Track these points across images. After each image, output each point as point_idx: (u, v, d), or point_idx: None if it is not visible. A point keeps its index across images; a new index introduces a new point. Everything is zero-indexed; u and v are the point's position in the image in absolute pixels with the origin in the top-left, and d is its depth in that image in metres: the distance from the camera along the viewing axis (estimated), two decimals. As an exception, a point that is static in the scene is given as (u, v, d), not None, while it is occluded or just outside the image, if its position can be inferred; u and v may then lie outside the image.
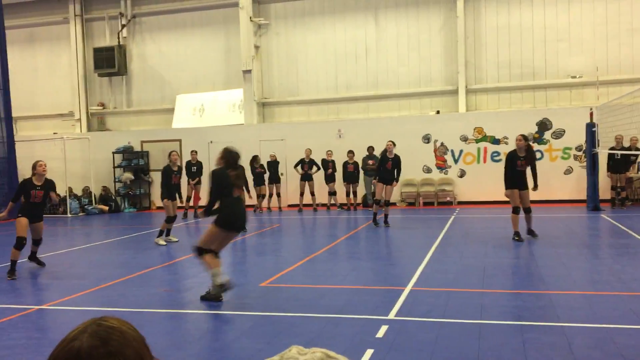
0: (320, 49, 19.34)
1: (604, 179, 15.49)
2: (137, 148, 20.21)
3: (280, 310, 6.21)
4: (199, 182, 16.49)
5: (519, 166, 10.17)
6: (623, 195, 15.32)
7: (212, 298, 6.57)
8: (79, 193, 19.55)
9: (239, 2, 19.08)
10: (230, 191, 6.81)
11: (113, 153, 20.18)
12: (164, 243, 11.27)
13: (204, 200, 10.60)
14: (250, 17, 19.12)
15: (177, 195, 11.60)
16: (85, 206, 19.02)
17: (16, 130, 20.34)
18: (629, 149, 14.70)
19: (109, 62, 20.45)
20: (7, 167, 18.02)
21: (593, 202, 14.61)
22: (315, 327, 5.57)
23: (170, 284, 7.86)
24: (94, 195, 19.50)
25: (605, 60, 16.92)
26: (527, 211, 10.29)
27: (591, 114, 14.89)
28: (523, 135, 10.50)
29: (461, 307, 6.07)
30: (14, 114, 19.09)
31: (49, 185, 8.74)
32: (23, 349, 5.31)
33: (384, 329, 5.37)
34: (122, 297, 7.08)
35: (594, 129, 14.53)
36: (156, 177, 19.96)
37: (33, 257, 9.06)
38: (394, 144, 12.91)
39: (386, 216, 12.88)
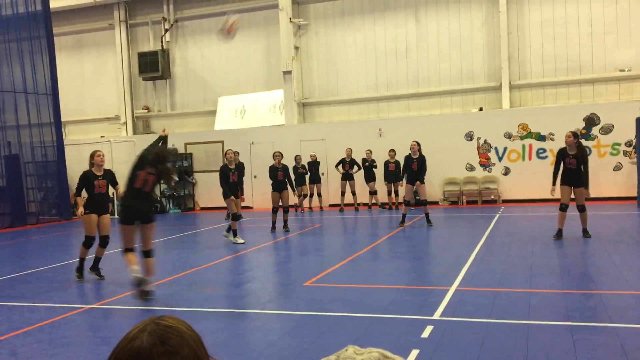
0: (359, 48, 19.29)
1: (656, 175, 14.95)
2: (181, 150, 20.58)
3: (324, 310, 6.23)
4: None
5: (567, 164, 9.88)
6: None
7: (141, 296, 6.68)
8: (126, 195, 20.03)
9: (278, 4, 19.23)
10: (131, 184, 7.00)
11: (158, 155, 20.56)
12: (242, 241, 11.29)
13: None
14: (290, 18, 19.23)
15: (238, 193, 11.73)
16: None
17: (65, 135, 21.00)
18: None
19: (152, 66, 20.90)
20: (57, 170, 18.62)
21: (644, 199, 14.12)
22: (360, 327, 5.56)
23: (215, 284, 7.97)
24: (140, 197, 19.92)
25: (656, 52, 16.32)
26: (581, 209, 9.93)
27: (641, 108, 14.39)
28: (573, 132, 10.19)
29: (508, 307, 5.96)
30: (63, 118, 19.71)
31: (110, 175, 8.56)
32: (76, 347, 5.48)
33: (429, 329, 5.32)
34: (171, 297, 7.21)
35: (644, 124, 14.03)
36: (199, 178, 20.32)
37: (95, 267, 8.50)
38: (419, 144, 12.85)
39: (427, 215, 12.77)
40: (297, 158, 17.15)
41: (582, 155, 9.92)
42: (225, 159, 11.92)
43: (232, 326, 5.94)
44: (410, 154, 12.77)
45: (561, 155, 10.06)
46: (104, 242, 8.51)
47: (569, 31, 17.08)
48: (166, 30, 21.34)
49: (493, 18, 17.71)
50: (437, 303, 6.20)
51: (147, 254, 7.05)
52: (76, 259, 8.69)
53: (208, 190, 20.00)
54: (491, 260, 8.52)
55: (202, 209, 20.22)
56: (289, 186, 12.88)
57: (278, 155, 12.88)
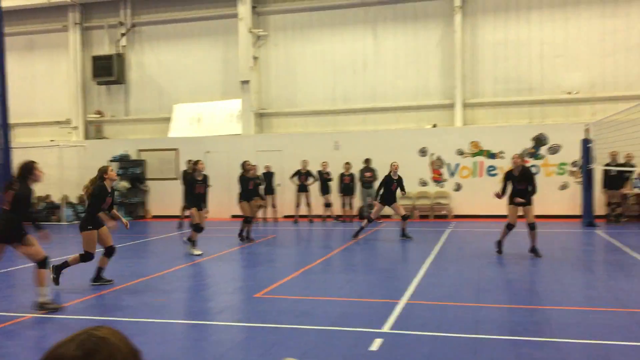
0: (318, 61, 19.43)
1: (599, 195, 15.56)
2: (134, 157, 20.21)
3: (274, 322, 6.19)
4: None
5: (516, 185, 10.08)
6: (618, 211, 15.38)
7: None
8: (75, 201, 19.50)
9: (238, 14, 19.21)
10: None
11: (109, 161, 20.15)
12: (199, 252, 11.05)
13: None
14: (249, 29, 19.23)
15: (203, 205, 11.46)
16: (80, 214, 18.96)
17: (13, 137, 20.30)
18: (623, 165, 14.76)
19: (107, 71, 20.51)
20: (2, 174, 17.95)
21: (588, 218, 14.66)
22: (310, 339, 5.55)
23: (165, 294, 7.83)
24: (90, 203, 19.46)
25: (602, 77, 17.05)
26: (531, 227, 10.08)
27: (587, 130, 14.98)
28: (519, 155, 10.51)
29: (456, 321, 6.07)
30: (11, 120, 19.02)
31: (113, 191, 8.43)
32: (15, 358, 5.27)
33: (378, 342, 5.35)
34: (116, 307, 7.04)
35: (589, 145, 14.61)
36: (151, 186, 19.97)
37: (99, 277, 8.36)
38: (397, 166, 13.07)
39: (403, 230, 12.88)
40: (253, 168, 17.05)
41: (527, 177, 10.11)
42: (193, 168, 11.66)
43: (180, 338, 5.84)
44: (390, 174, 12.77)
45: (507, 177, 10.25)
46: (113, 251, 8.34)
47: (520, 53, 17.66)
48: (122, 35, 20.99)
49: (448, 38, 18.14)
50: (387, 316, 6.26)
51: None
52: (18, 266, 8.40)
53: (161, 198, 19.68)
54: (441, 275, 8.66)
55: (154, 217, 19.86)
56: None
57: (250, 164, 13.17)
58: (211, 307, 6.96)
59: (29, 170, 6.91)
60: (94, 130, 21.49)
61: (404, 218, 12.84)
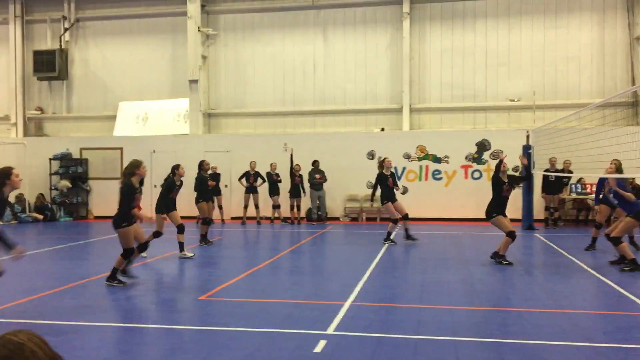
0: (268, 62, 19.38)
1: (538, 200, 16.12)
2: (76, 155, 19.62)
3: (218, 325, 6.13)
4: (140, 192, 16.07)
5: (504, 192, 10.03)
6: (556, 215, 15.98)
7: None
8: (12, 200, 18.74)
9: (187, 12, 18.95)
10: None
11: (50, 160, 19.52)
12: (192, 255, 10.80)
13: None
14: (199, 27, 18.99)
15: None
16: (18, 214, 18.26)
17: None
18: (562, 171, 15.35)
19: (49, 66, 19.85)
20: None
21: (527, 221, 15.16)
22: (254, 342, 5.52)
23: (105, 297, 7.62)
24: (29, 203, 18.76)
25: (542, 86, 17.69)
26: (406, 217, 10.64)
27: (527, 137, 15.50)
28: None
29: (399, 322, 6.16)
30: (-56, 115, 18.21)
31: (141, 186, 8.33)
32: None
33: (322, 343, 5.38)
34: (53, 309, 6.81)
35: (529, 151, 15.11)
36: (94, 186, 19.41)
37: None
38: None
39: (407, 230, 12.64)
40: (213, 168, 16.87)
41: (513, 180, 10.34)
42: (175, 173, 11.05)
43: (119, 342, 5.70)
44: (382, 171, 12.39)
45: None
46: (145, 247, 8.55)
47: (465, 61, 18.12)
48: (66, 30, 20.36)
49: (397, 43, 18.44)
50: (332, 318, 6.29)
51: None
52: None
53: (104, 198, 19.16)
54: (386, 277, 8.78)
55: (97, 217, 19.32)
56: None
57: (208, 163, 12.88)
58: (153, 310, 6.83)
59: (6, 176, 6.29)
60: (34, 127, 20.73)
61: (406, 218, 12.50)
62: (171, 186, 10.80)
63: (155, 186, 18.82)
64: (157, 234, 10.56)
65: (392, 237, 12.34)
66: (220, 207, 17.31)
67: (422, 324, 6.09)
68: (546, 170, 15.26)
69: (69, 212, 19.27)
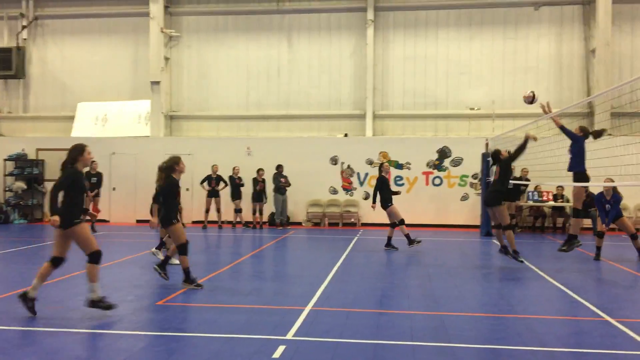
0: (232, 66, 19.28)
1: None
2: (32, 156, 19.12)
3: (176, 330, 6.04)
4: (98, 195, 15.78)
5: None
6: (513, 222, 16.31)
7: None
8: (-37, 201, 18.14)
9: (149, 12, 18.71)
10: None
11: (5, 160, 18.96)
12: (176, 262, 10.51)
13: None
14: (161, 28, 18.78)
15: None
16: (-30, 216, 17.66)
17: None
18: (519, 179, 15.68)
19: (5, 64, 19.36)
20: None
21: (486, 228, 15.42)
22: (212, 347, 5.46)
23: (60, 301, 7.42)
24: (-20, 205, 18.17)
25: (501, 95, 18.09)
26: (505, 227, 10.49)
27: (486, 145, 15.82)
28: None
29: (358, 327, 6.18)
30: None
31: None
32: None
33: (281, 349, 5.35)
34: (4, 314, 6.60)
35: (488, 159, 15.39)
36: (50, 188, 18.90)
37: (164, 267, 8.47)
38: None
39: (390, 238, 12.46)
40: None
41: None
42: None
43: (74, 347, 5.55)
44: (382, 174, 12.39)
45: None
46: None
47: (428, 69, 18.40)
48: (23, 27, 19.86)
49: (361, 50, 18.59)
50: (292, 323, 6.27)
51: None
52: None
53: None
54: (347, 281, 8.80)
55: (53, 220, 18.81)
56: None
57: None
58: (109, 316, 6.67)
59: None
60: (-13, 126, 20.11)
61: (402, 223, 12.30)
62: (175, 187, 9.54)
63: (114, 188, 18.51)
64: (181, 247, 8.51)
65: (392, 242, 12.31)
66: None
67: (380, 328, 6.13)
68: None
69: (23, 215, 18.73)
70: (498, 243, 10.73)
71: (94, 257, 6.68)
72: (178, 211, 8.26)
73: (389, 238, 12.42)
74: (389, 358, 5.19)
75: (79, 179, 6.82)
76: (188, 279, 8.20)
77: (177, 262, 10.40)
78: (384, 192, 12.27)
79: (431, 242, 13.64)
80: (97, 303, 6.58)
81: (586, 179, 9.18)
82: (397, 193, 12.56)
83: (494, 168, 10.57)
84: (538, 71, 18.04)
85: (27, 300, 6.56)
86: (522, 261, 10.20)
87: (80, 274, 9.32)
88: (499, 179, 10.43)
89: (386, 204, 12.23)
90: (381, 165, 12.53)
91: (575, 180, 9.24)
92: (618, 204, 11.11)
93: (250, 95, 19.23)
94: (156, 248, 11.70)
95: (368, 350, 5.38)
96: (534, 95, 10.14)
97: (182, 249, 8.15)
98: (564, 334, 6.10)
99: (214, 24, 19.39)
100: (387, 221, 12.33)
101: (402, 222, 12.20)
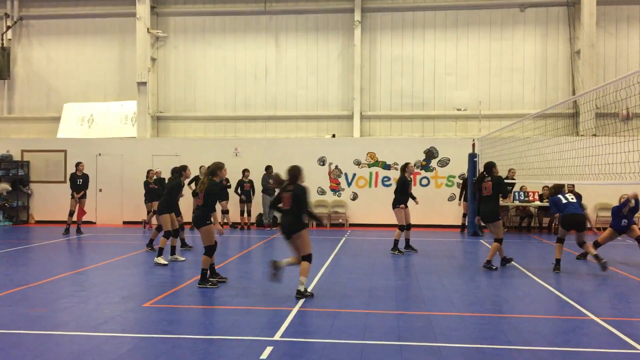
0: (219, 66, 19.23)
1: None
2: (17, 157, 18.93)
3: (162, 332, 6.01)
4: (84, 196, 15.65)
5: (410, 189, 10.50)
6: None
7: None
8: (-53, 203, 17.92)
9: (136, 12, 18.61)
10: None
11: (-11, 161, 18.76)
12: (166, 262, 10.48)
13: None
14: (148, 29, 18.69)
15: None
16: (-47, 218, 17.45)
17: None
18: (506, 178, 15.77)
19: (-11, 64, 19.12)
20: None
21: (473, 228, 15.51)
22: (199, 349, 5.44)
23: (44, 304, 7.36)
24: (-36, 207, 17.96)
25: (488, 96, 18.20)
26: (409, 227, 10.53)
27: (473, 145, 15.90)
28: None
29: (346, 327, 6.19)
30: None
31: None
32: None
33: (268, 350, 5.35)
34: (-12, 318, 6.53)
35: (475, 159, 15.49)
36: (36, 189, 18.74)
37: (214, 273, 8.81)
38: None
39: (408, 240, 12.34)
40: (150, 173, 16.55)
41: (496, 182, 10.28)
42: (181, 174, 10.90)
43: (59, 350, 5.51)
44: (405, 174, 12.03)
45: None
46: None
47: (415, 70, 18.47)
48: (8, 27, 19.67)
49: (348, 51, 18.62)
50: (279, 324, 6.27)
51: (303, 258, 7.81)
52: None
53: (46, 202, 18.56)
54: (334, 282, 8.81)
55: (38, 222, 18.68)
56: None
57: (189, 170, 11.59)
58: (95, 318, 6.63)
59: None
60: (-29, 127, 19.90)
61: (409, 227, 12.14)
62: (179, 188, 10.95)
63: (100, 190, 18.40)
64: (167, 234, 10.69)
65: (399, 245, 12.03)
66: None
67: (368, 329, 6.14)
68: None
69: (8, 216, 18.55)
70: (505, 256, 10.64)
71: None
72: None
73: (406, 241, 12.23)
74: (376, 358, 5.20)
75: None
76: (204, 279, 8.40)
77: (182, 258, 10.61)
78: (401, 192, 11.94)
79: (418, 243, 13.67)
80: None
81: None
82: (413, 197, 12.27)
83: (486, 180, 10.35)
84: (524, 72, 18.18)
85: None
86: (495, 268, 10.13)
87: (62, 277, 9.26)
88: (493, 196, 10.24)
89: (397, 204, 11.94)
90: (406, 166, 12.11)
91: None
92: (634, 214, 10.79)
93: (237, 96, 19.19)
94: (171, 254, 11.37)
95: (355, 351, 5.39)
96: (628, 113, 9.94)
97: (210, 250, 8.48)
98: (550, 333, 6.15)
99: (201, 25, 19.33)
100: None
101: (402, 228, 11.99)
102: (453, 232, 16.46)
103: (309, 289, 7.99)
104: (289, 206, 7.80)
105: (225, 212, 16.99)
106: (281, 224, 8.03)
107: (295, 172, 7.94)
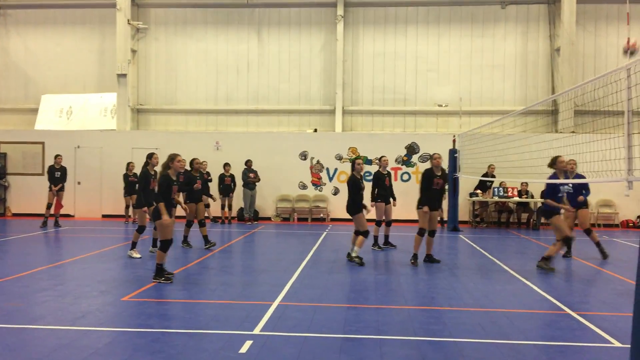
0: (201, 59, 19.08)
1: (463, 202, 16.66)
2: (-6, 149, 18.63)
3: (141, 326, 5.97)
4: (62, 189, 15.45)
5: (435, 185, 9.86)
6: (478, 219, 16.55)
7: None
8: None
9: (116, 3, 18.38)
10: None
11: (-36, 153, 18.43)
12: (139, 255, 10.39)
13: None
14: (128, 20, 18.47)
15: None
16: None
17: None
18: (485, 174, 15.92)
19: (-35, 54, 18.74)
20: None
21: (453, 223, 15.64)
22: (178, 343, 5.41)
23: (21, 298, 7.26)
24: (-61, 199, 17.63)
25: (469, 92, 18.32)
26: (432, 234, 10.08)
27: (454, 141, 16.00)
28: (439, 155, 10.17)
29: (326, 321, 6.20)
30: None
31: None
32: None
33: (248, 344, 5.34)
34: (-37, 312, 6.42)
35: (455, 155, 15.60)
36: (13, 181, 18.47)
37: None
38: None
39: (387, 237, 12.04)
40: (130, 165, 16.43)
41: (445, 176, 10.15)
42: (171, 166, 10.50)
43: (36, 344, 5.44)
44: (379, 169, 11.69)
45: (428, 176, 9.89)
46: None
47: (397, 66, 18.52)
48: (-16, 16, 19.28)
49: (331, 45, 18.60)
50: (259, 318, 6.26)
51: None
52: None
53: (23, 194, 18.29)
54: (315, 276, 8.82)
55: (15, 215, 18.40)
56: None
57: (200, 161, 12.20)
58: (73, 311, 6.56)
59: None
60: (-54, 118, 19.52)
61: (388, 224, 11.85)
62: (147, 177, 10.05)
63: (79, 183, 18.19)
64: (141, 229, 10.47)
65: (379, 241, 11.87)
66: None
67: (347, 322, 6.16)
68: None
69: (-16, 209, 18.25)
70: None
71: None
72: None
73: (386, 237, 12.00)
74: (356, 352, 5.22)
75: None
76: (159, 274, 8.30)
77: (138, 255, 10.37)
78: (380, 188, 11.58)
79: (399, 238, 13.75)
80: None
81: None
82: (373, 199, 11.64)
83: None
84: (504, 69, 18.33)
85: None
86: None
87: (39, 270, 9.15)
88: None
89: (374, 198, 11.62)
90: (379, 159, 11.87)
91: None
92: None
93: (219, 89, 19.08)
94: (183, 243, 11.35)
95: (335, 344, 5.40)
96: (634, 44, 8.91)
97: (164, 245, 8.36)
98: (528, 327, 6.23)
99: (182, 17, 19.15)
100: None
101: (378, 223, 11.70)
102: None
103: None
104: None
105: (206, 206, 16.89)
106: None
107: (352, 164, 9.90)
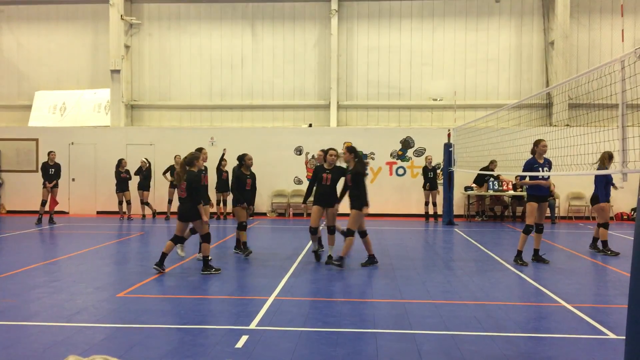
0: (195, 55, 19.01)
1: (459, 196, 16.68)
2: (-13, 146, 18.52)
3: (137, 322, 5.95)
4: (56, 186, 15.39)
5: (324, 180, 9.68)
6: (474, 212, 16.55)
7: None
8: None
9: (109, -1, 18.28)
10: None
11: (-43, 150, 18.33)
12: (250, 251, 10.33)
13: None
14: (122, 15, 18.38)
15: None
16: None
17: None
18: (486, 168, 15.89)
19: (-44, 50, 18.62)
20: None
21: (448, 217, 15.66)
22: (174, 339, 5.40)
23: (15, 295, 7.23)
24: None
25: (463, 86, 18.32)
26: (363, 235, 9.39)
27: (449, 135, 16.01)
28: (348, 147, 9.64)
29: (321, 315, 6.20)
30: None
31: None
32: None
33: (244, 339, 5.34)
34: (-43, 309, 6.40)
35: (450, 149, 15.61)
36: (7, 178, 18.39)
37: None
38: (337, 153, 10.16)
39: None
40: (123, 162, 16.43)
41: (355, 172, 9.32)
42: (245, 162, 10.39)
43: (31, 341, 5.42)
44: (323, 164, 10.37)
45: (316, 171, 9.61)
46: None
47: (391, 60, 18.49)
48: (-24, 12, 19.15)
49: (325, 40, 18.56)
50: (255, 313, 6.26)
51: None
52: None
53: (17, 191, 18.22)
54: (310, 271, 8.82)
55: (9, 212, 18.32)
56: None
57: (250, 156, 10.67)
58: (68, 308, 6.54)
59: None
60: (-61, 115, 19.39)
61: (330, 231, 10.10)
62: (241, 177, 10.39)
63: (73, 179, 18.12)
64: (240, 226, 10.58)
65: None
66: (146, 203, 16.87)
67: (343, 317, 6.16)
68: (424, 168, 15.89)
69: (-22, 207, 18.17)
70: None
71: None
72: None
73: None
74: (351, 345, 5.23)
75: None
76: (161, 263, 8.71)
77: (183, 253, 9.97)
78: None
79: (395, 232, 13.77)
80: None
81: None
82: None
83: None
84: (499, 63, 18.33)
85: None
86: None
87: (33, 267, 9.11)
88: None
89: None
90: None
91: None
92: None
93: (213, 84, 19.01)
94: (235, 249, 10.88)
95: (331, 339, 5.40)
96: None
97: (207, 238, 8.77)
98: (523, 319, 6.25)
99: (175, 12, 19.07)
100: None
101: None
102: (430, 221, 16.58)
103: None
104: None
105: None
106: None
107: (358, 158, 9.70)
